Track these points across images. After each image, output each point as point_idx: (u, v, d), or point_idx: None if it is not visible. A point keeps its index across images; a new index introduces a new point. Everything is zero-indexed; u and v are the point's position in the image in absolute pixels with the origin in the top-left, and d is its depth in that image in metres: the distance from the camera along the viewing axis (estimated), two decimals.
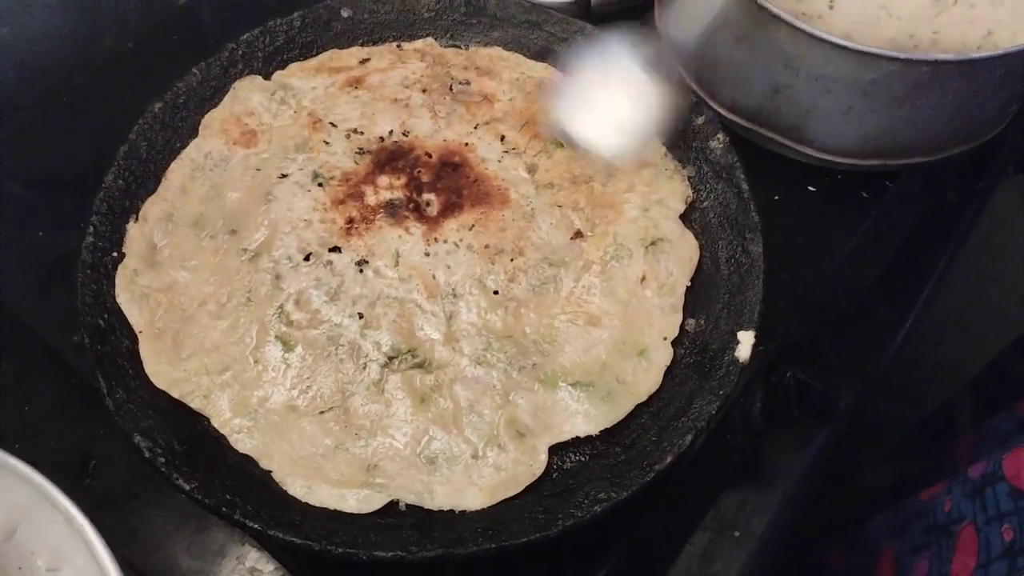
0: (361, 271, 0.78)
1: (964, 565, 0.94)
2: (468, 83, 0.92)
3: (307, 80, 0.91)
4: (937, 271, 1.11)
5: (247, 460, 0.70)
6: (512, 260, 0.80)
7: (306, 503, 0.68)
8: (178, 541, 0.79)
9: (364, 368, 0.74)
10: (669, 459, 0.68)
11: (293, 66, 0.93)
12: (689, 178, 0.87)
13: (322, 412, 0.72)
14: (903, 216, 1.06)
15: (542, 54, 0.96)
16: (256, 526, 0.64)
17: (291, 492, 0.68)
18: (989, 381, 1.34)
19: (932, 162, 0.97)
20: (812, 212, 0.98)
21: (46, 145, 1.01)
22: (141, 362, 0.74)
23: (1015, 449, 0.93)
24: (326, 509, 0.68)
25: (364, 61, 0.94)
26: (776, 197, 0.97)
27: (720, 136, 0.86)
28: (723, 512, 0.90)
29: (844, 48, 0.83)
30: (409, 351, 0.75)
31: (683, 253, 0.82)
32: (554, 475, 0.72)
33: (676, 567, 0.85)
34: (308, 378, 0.73)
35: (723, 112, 0.98)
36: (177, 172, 0.84)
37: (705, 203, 0.85)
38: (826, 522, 1.30)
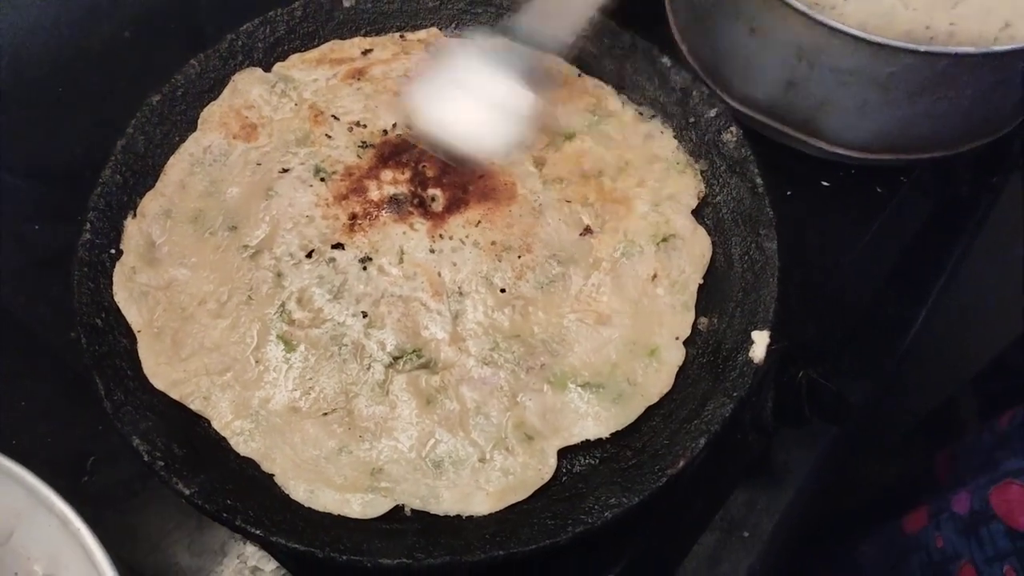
0: (365, 268, 0.77)
1: None
2: None
3: (308, 72, 0.89)
4: (949, 266, 1.09)
5: (248, 463, 0.69)
6: (519, 257, 0.78)
7: (309, 508, 0.66)
8: (178, 539, 0.78)
9: (368, 369, 0.72)
10: (682, 463, 0.67)
11: (294, 57, 0.91)
12: (701, 172, 0.85)
13: (325, 414, 0.70)
14: (917, 211, 1.05)
15: None
16: (258, 532, 0.63)
17: (294, 496, 0.67)
18: (992, 378, 1.32)
19: (947, 157, 0.95)
20: (825, 207, 0.96)
21: (41, 136, 0.99)
22: (140, 362, 0.72)
23: (1001, 484, 0.92)
24: (329, 514, 0.66)
25: (366, 52, 0.92)
26: (788, 192, 0.95)
27: (733, 129, 0.84)
28: (732, 512, 0.89)
29: (862, 40, 0.81)
30: (414, 351, 0.73)
31: (695, 250, 0.80)
32: (563, 479, 0.70)
33: (684, 568, 0.84)
34: (311, 379, 0.72)
35: (735, 105, 0.96)
36: (176, 167, 0.82)
37: (718, 198, 0.83)
38: (813, 536, 1.28)
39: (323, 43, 0.93)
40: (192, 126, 0.85)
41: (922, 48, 0.80)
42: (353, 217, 0.79)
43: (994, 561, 0.89)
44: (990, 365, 1.33)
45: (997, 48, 0.81)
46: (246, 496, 0.66)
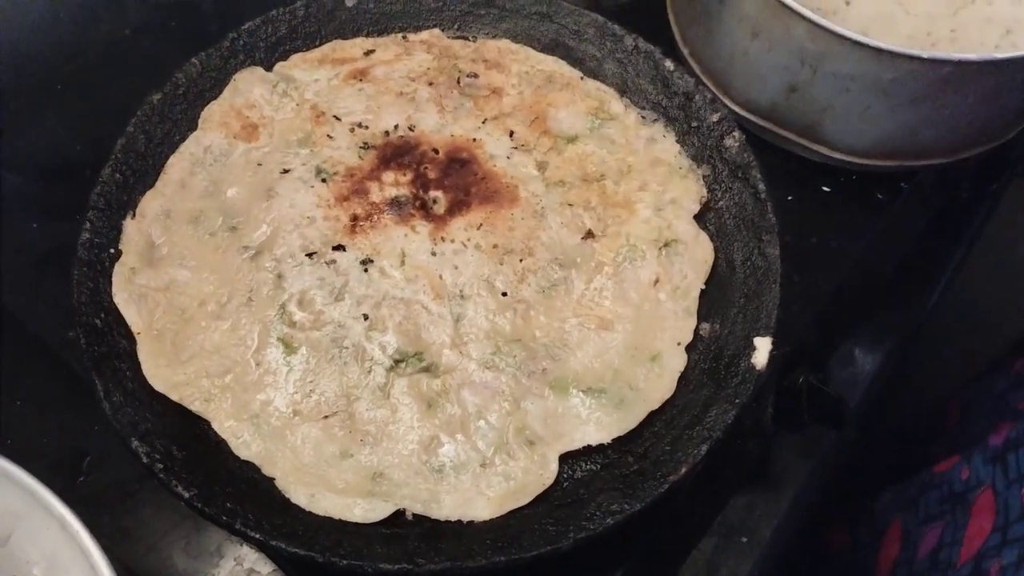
0: (366, 271, 0.76)
1: (979, 529, 0.91)
2: (476, 76, 0.90)
3: (310, 72, 0.89)
4: (948, 272, 1.10)
5: (249, 466, 0.69)
6: (521, 261, 0.78)
7: (309, 512, 0.66)
8: (174, 541, 0.78)
9: (369, 372, 0.72)
10: (684, 470, 0.67)
11: (295, 57, 0.90)
12: (704, 177, 0.84)
13: (326, 417, 0.70)
14: (917, 217, 1.05)
15: (552, 47, 0.93)
16: (258, 536, 0.63)
17: (294, 500, 0.66)
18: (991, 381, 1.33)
19: (948, 163, 0.95)
20: (826, 213, 0.96)
21: (40, 134, 0.99)
22: (139, 363, 0.72)
23: None
24: (330, 518, 0.66)
25: (368, 52, 0.91)
26: (789, 197, 0.95)
27: (736, 134, 0.84)
28: (731, 517, 0.89)
29: (865, 46, 0.81)
30: (415, 354, 0.73)
31: (697, 255, 0.80)
32: (565, 484, 0.70)
33: (683, 573, 0.84)
34: (311, 382, 0.71)
35: (736, 109, 0.96)
36: (176, 166, 0.82)
37: (720, 203, 0.83)
38: (827, 504, 1.29)
39: (325, 43, 0.92)
40: (193, 125, 0.85)
41: (925, 54, 0.80)
42: (354, 218, 0.79)
43: (1014, 484, 0.88)
44: (988, 369, 1.34)
45: (999, 55, 0.81)
46: (246, 499, 0.65)
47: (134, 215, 0.79)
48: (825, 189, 0.97)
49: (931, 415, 1.24)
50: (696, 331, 0.77)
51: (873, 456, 1.31)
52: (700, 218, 0.83)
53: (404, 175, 0.82)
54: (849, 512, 1.23)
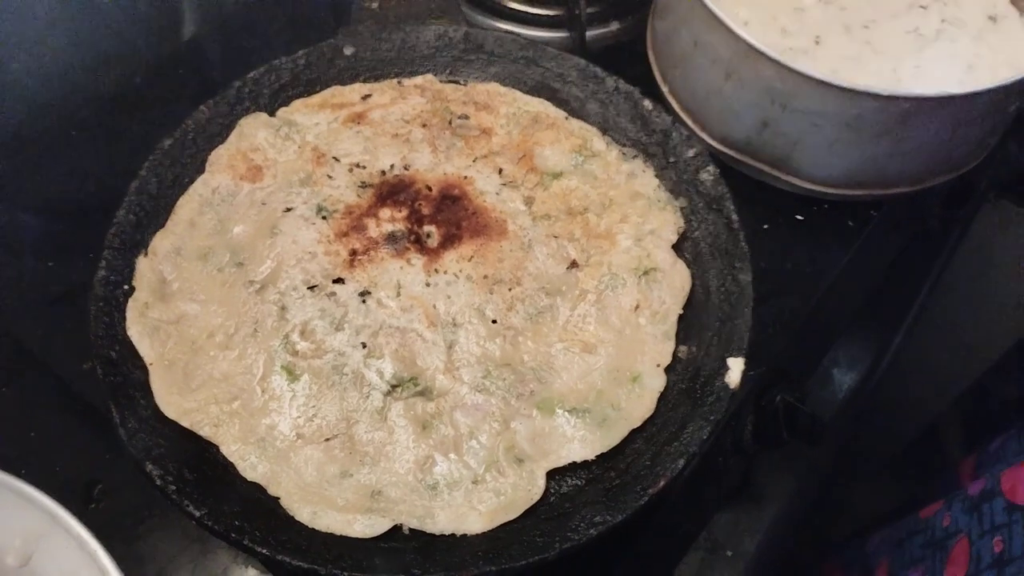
0: (364, 302, 0.81)
1: None
2: (467, 117, 0.95)
3: (311, 116, 0.94)
4: (921, 295, 1.14)
5: (255, 487, 0.73)
6: (510, 290, 0.82)
7: (312, 528, 0.70)
8: (183, 565, 0.81)
9: (367, 396, 0.76)
10: (662, 483, 0.71)
11: (297, 103, 0.96)
12: (681, 209, 0.89)
13: (327, 439, 0.74)
14: (888, 243, 1.09)
15: (538, 89, 0.99)
16: (264, 551, 0.67)
17: (298, 518, 0.71)
18: (973, 401, 1.36)
19: (915, 192, 1.00)
20: (799, 240, 1.00)
21: (55, 177, 1.03)
22: (152, 392, 0.76)
23: (1013, 465, 0.95)
24: (331, 534, 0.70)
25: (366, 97, 0.97)
26: (765, 226, 0.99)
27: (711, 168, 0.89)
28: (716, 532, 0.92)
29: (828, 85, 0.86)
30: (411, 379, 0.77)
31: (675, 282, 0.84)
32: (551, 499, 0.74)
33: None
34: (314, 406, 0.76)
35: (713, 144, 1.01)
36: (185, 207, 0.86)
37: (696, 233, 0.88)
38: (822, 542, 1.31)
39: (325, 89, 0.97)
40: (201, 168, 0.90)
41: (884, 92, 0.85)
42: (353, 253, 0.84)
43: (987, 534, 0.92)
44: (969, 389, 1.36)
45: (954, 91, 0.85)
46: (253, 518, 0.69)
47: (147, 253, 0.83)
48: (798, 217, 1.02)
49: (942, 471, 1.28)
50: (674, 353, 0.81)
51: (866, 496, 1.34)
52: (678, 247, 0.88)
53: (400, 211, 0.87)
54: (844, 555, 1.26)
